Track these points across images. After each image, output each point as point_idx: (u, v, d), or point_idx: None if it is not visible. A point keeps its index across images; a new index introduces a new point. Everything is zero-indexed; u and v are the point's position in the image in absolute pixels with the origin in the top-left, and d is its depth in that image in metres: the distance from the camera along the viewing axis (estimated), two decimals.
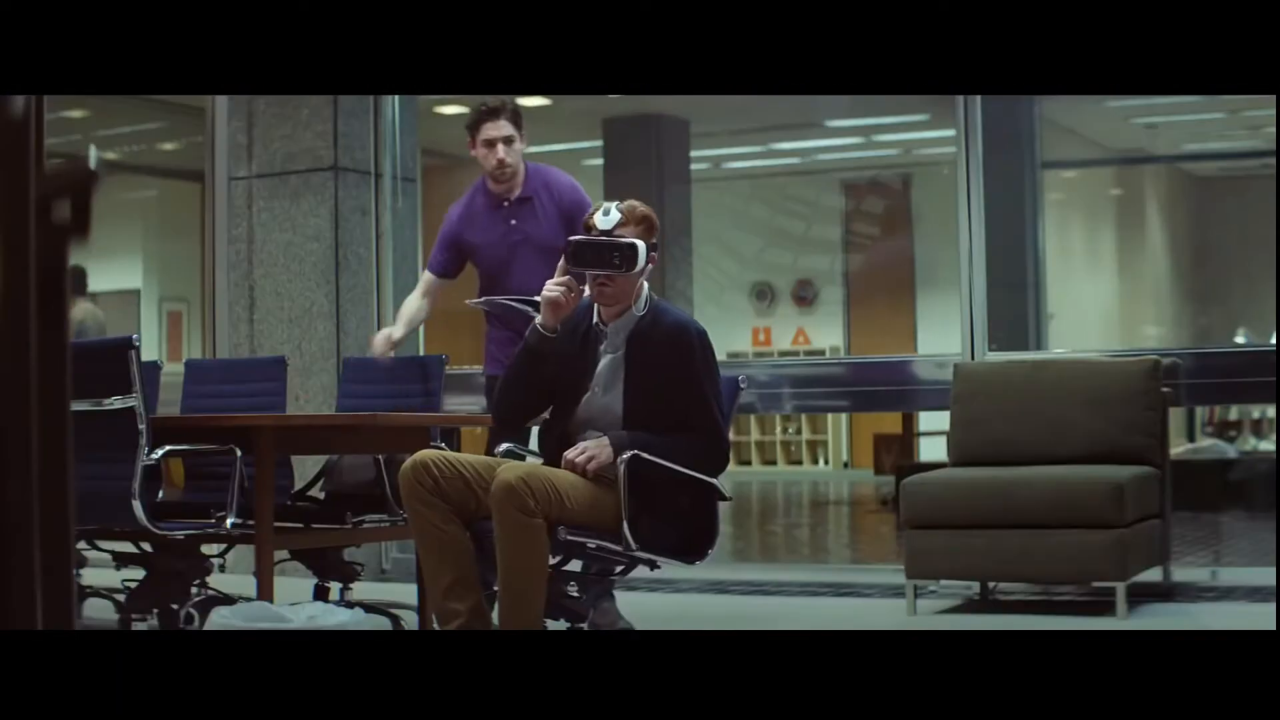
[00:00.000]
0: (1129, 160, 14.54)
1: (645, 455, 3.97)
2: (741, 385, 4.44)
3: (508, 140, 5.28)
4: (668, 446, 4.03)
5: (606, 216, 4.08)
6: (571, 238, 4.12)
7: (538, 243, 5.29)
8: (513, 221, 5.32)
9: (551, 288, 4.09)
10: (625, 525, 3.93)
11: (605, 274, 4.06)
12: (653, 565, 4.15)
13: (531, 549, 3.83)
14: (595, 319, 4.19)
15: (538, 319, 4.14)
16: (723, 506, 4.25)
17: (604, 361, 4.18)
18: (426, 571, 4.08)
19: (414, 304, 5.67)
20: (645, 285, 4.20)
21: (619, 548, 3.97)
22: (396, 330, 5.64)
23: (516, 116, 5.32)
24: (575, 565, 4.19)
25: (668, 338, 4.14)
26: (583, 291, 4.13)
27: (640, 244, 4.05)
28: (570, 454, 4.01)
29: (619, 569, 4.17)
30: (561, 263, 4.11)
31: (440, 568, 3.99)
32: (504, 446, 4.31)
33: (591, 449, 4.00)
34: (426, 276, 5.61)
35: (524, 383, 4.19)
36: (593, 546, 3.96)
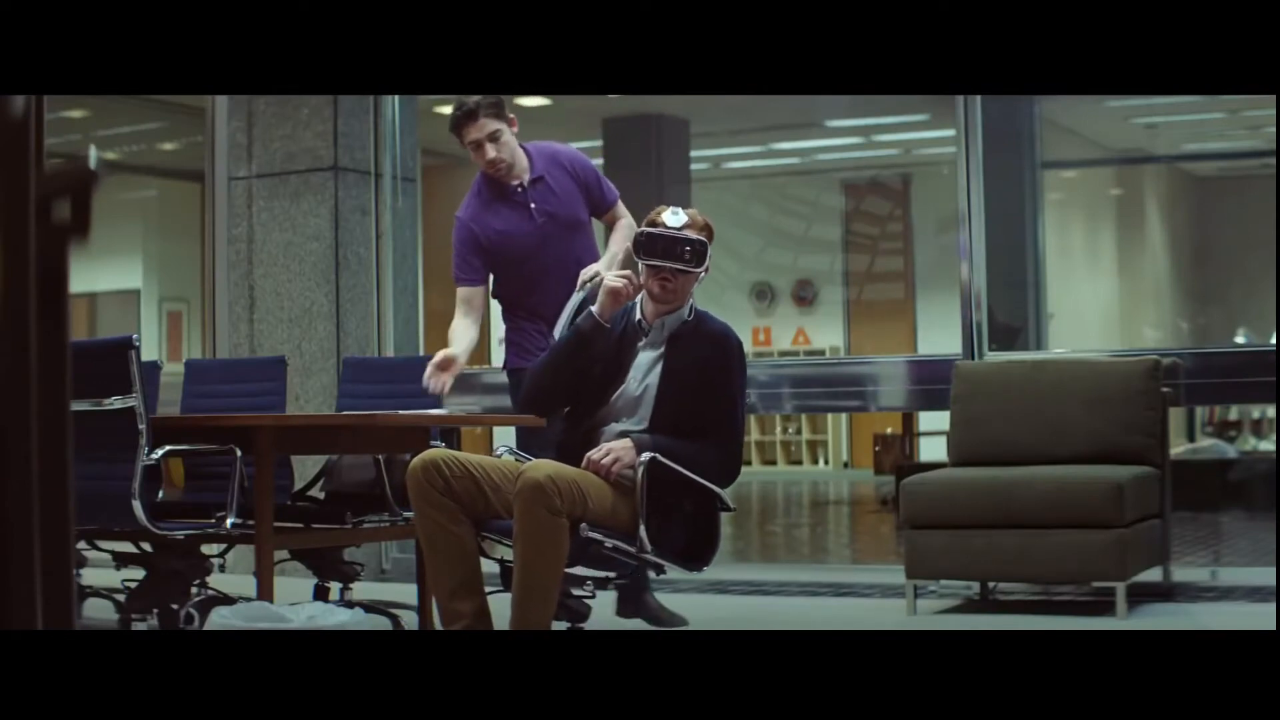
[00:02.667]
0: (1129, 160, 14.55)
1: (663, 459, 3.99)
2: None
3: (492, 137, 5.12)
4: (687, 453, 4.05)
5: (675, 216, 4.16)
6: (642, 229, 4.14)
7: (564, 219, 5.20)
8: (533, 205, 5.17)
9: (616, 278, 4.13)
10: (642, 527, 3.95)
11: (674, 267, 4.09)
12: (659, 570, 4.15)
13: (553, 548, 3.84)
14: (638, 316, 4.22)
15: (594, 307, 4.16)
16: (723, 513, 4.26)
17: (641, 356, 4.20)
18: (432, 573, 4.08)
19: (460, 326, 5.20)
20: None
21: (633, 549, 3.98)
22: (456, 351, 5.07)
23: (496, 108, 5.14)
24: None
25: (711, 342, 4.19)
26: (640, 285, 4.15)
27: (708, 244, 4.12)
28: (595, 455, 4.01)
29: (625, 574, 4.17)
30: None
31: (447, 569, 3.99)
32: (501, 449, 4.31)
33: (616, 450, 4.01)
34: (462, 292, 5.23)
35: (566, 370, 4.19)
36: (609, 546, 3.97)
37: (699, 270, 4.13)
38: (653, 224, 4.15)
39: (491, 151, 5.13)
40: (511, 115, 5.20)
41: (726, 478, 4.17)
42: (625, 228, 5.23)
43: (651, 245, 4.11)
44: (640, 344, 4.21)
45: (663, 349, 4.19)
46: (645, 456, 3.96)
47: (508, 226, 5.19)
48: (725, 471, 4.16)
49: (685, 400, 4.13)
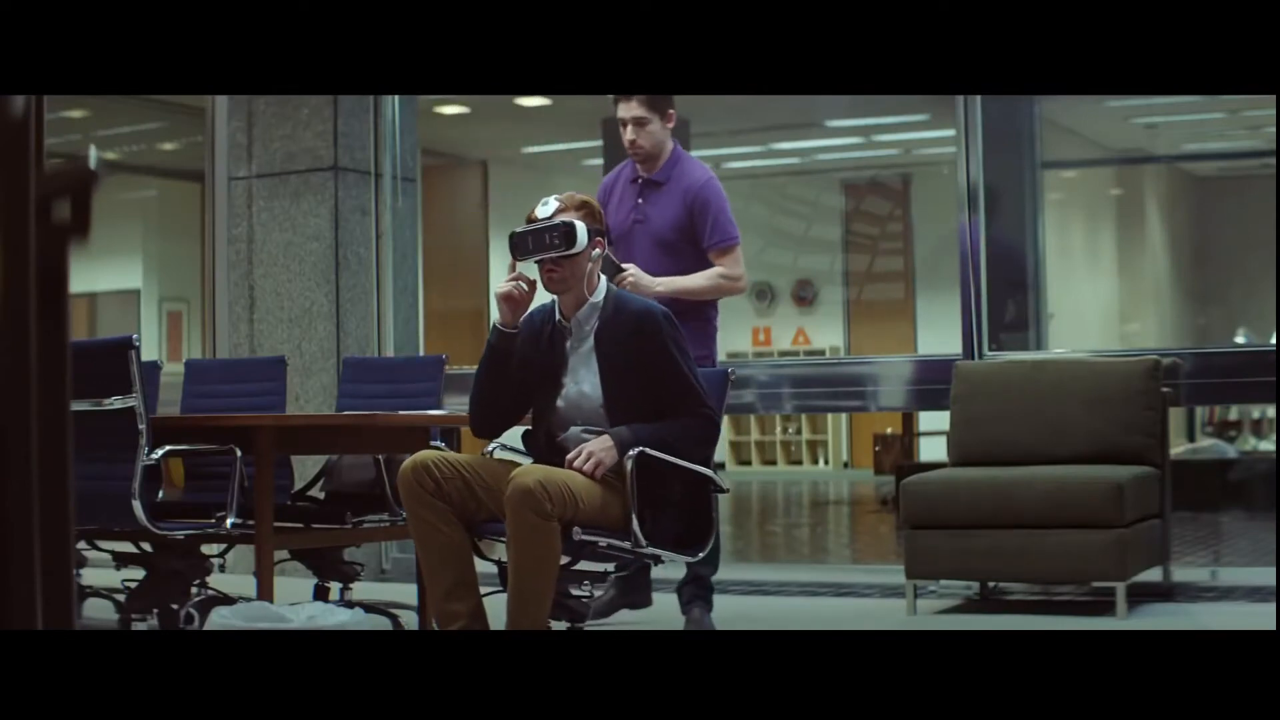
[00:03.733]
0: (1129, 160, 14.55)
1: (650, 451, 3.98)
2: (731, 376, 4.45)
3: (639, 122, 5.19)
4: (665, 436, 4.04)
5: (545, 206, 4.14)
6: (511, 231, 4.14)
7: (654, 229, 5.20)
8: (639, 200, 5.21)
9: (502, 284, 4.13)
10: (634, 522, 3.94)
11: (547, 258, 4.08)
12: (656, 560, 4.15)
13: (545, 551, 3.84)
14: (558, 317, 4.21)
15: (496, 319, 4.16)
16: (723, 506, 4.25)
17: (576, 354, 4.19)
18: (426, 573, 4.08)
19: None
20: (603, 278, 4.23)
21: (628, 544, 3.98)
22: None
23: (654, 99, 5.21)
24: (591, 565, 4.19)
25: (634, 323, 4.14)
26: (535, 284, 4.14)
27: (578, 223, 4.09)
28: (578, 463, 3.99)
29: (623, 567, 4.17)
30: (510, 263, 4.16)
31: (441, 569, 3.99)
32: (493, 446, 4.31)
33: (598, 453, 3.99)
34: None
35: (493, 385, 4.20)
36: (603, 545, 3.97)
37: (576, 251, 4.08)
38: (527, 221, 4.15)
39: (631, 134, 5.21)
40: (671, 111, 5.25)
41: (708, 443, 4.16)
42: (714, 274, 5.20)
43: (521, 244, 4.11)
44: (569, 343, 4.20)
45: (590, 341, 4.17)
46: (633, 451, 3.96)
47: (615, 209, 5.28)
48: (706, 438, 4.15)
49: (632, 387, 4.11)
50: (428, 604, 4.05)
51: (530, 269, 4.18)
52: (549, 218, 4.10)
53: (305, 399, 7.22)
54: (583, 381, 4.16)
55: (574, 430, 4.15)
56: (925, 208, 16.21)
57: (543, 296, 4.26)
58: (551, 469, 3.94)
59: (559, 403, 4.17)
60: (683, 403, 4.11)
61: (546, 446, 4.16)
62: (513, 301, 4.12)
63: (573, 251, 4.07)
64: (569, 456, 4.01)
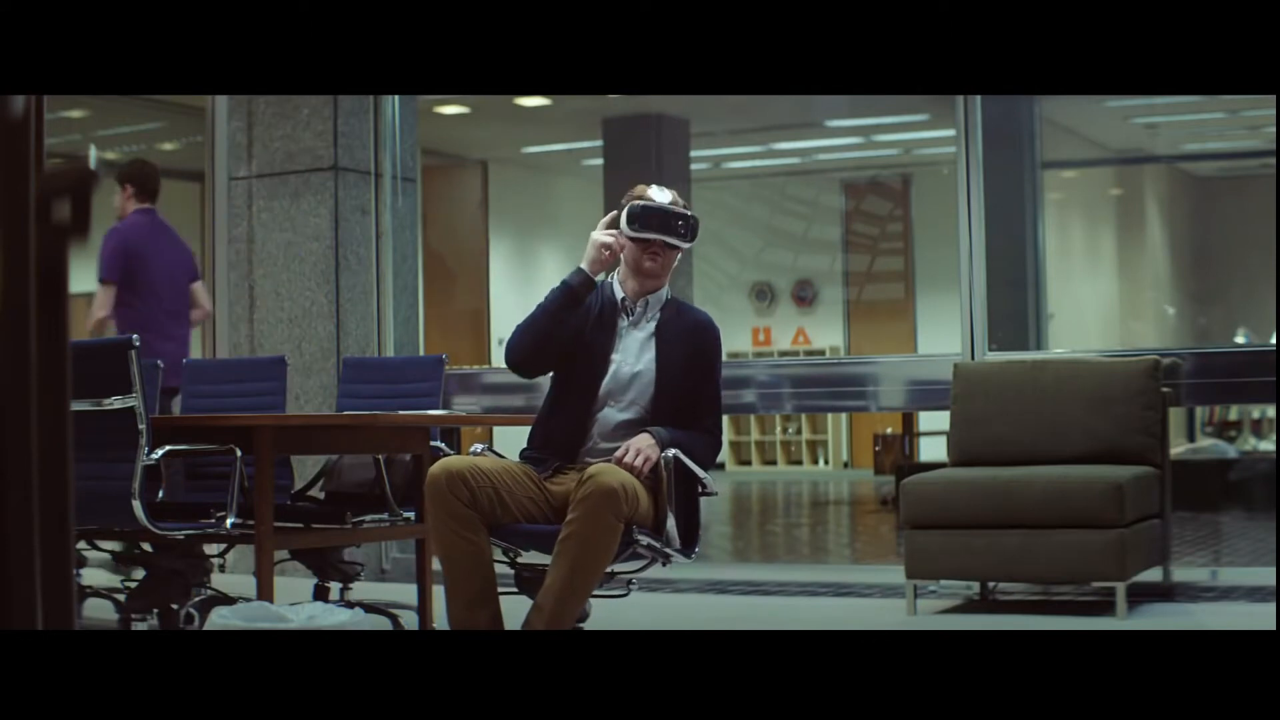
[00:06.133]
0: (1129, 160, 14.55)
1: (682, 456, 4.04)
2: None
3: None
4: (690, 443, 4.10)
5: (662, 193, 4.17)
6: (634, 202, 4.12)
7: None
8: None
9: (606, 233, 4.11)
10: (671, 520, 3.97)
11: (667, 241, 4.11)
12: (666, 559, 4.18)
13: (607, 552, 3.88)
14: (620, 297, 4.22)
15: (584, 264, 4.14)
16: (724, 506, 4.27)
17: (630, 335, 4.20)
18: (450, 581, 4.02)
19: None
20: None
21: (659, 544, 4.00)
22: None
23: (119, 177, 7.01)
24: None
25: (695, 329, 4.22)
26: (621, 249, 4.13)
27: (699, 222, 4.16)
28: (628, 458, 3.99)
29: (639, 566, 4.19)
30: (608, 219, 4.14)
31: (465, 578, 3.96)
32: (478, 447, 4.29)
33: (645, 450, 4.01)
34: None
35: (552, 324, 4.12)
36: (644, 544, 3.99)
37: (688, 246, 4.18)
38: (638, 197, 4.15)
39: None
40: (128, 186, 7.11)
41: (714, 459, 4.25)
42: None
43: (647, 218, 4.09)
44: (624, 322, 4.20)
45: (653, 330, 4.19)
46: (670, 453, 3.98)
47: None
48: (715, 454, 4.25)
49: (681, 384, 4.16)
50: (449, 612, 4.02)
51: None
52: (673, 204, 4.13)
53: (305, 399, 7.21)
54: (637, 362, 4.18)
55: (609, 412, 4.15)
56: (925, 208, 16.22)
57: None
58: (623, 471, 3.94)
59: (606, 379, 4.18)
60: (706, 414, 4.20)
61: (577, 424, 4.15)
62: (603, 253, 4.12)
63: (686, 246, 4.17)
64: (617, 454, 4.01)
